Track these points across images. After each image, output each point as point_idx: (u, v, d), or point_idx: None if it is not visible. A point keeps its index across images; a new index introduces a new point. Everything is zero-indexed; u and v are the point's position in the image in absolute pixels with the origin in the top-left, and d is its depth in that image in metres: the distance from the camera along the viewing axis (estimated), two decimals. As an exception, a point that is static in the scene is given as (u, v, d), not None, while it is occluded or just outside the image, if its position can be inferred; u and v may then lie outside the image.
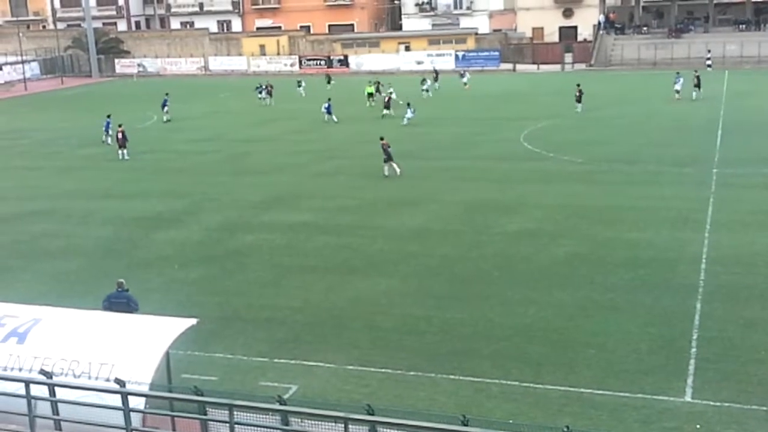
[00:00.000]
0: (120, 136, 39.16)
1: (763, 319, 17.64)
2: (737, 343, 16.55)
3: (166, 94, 52.79)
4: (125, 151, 39.04)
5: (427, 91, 60.01)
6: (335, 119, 47.74)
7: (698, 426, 13.49)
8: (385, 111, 50.71)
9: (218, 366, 16.40)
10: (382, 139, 34.35)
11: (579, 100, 49.75)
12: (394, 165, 33.39)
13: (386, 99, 52.15)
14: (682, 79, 53.84)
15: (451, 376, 15.62)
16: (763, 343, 16.42)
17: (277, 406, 11.04)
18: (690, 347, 16.41)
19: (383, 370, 16.04)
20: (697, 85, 52.32)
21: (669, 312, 18.31)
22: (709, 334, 16.99)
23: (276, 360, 16.70)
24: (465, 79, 66.17)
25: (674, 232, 24.33)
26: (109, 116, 43.83)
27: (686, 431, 13.15)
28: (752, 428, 13.36)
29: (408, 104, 47.95)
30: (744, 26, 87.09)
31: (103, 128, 43.21)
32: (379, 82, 59.17)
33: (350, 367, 16.21)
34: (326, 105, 49.15)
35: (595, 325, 17.81)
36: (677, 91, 53.08)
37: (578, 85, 50.73)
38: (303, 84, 65.84)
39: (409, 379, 15.65)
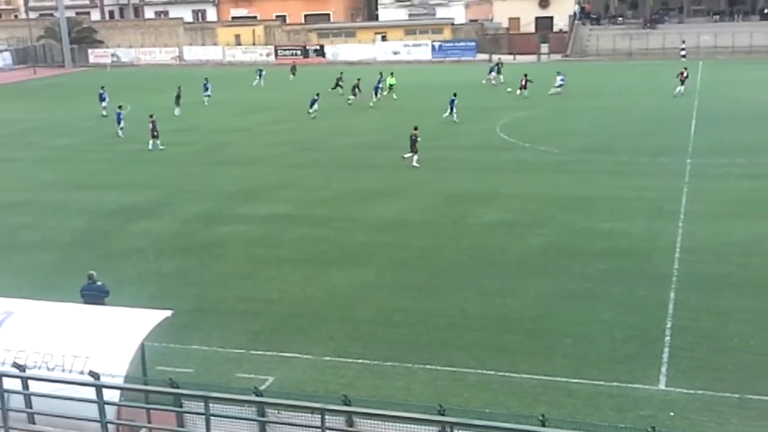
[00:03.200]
0: (151, 126, 38.70)
1: (736, 309, 17.83)
2: (710, 332, 16.72)
3: (102, 88, 51.33)
4: (157, 141, 38.63)
5: (495, 83, 60.54)
6: (310, 112, 46.98)
7: (672, 413, 13.63)
8: (351, 97, 51.38)
9: (194, 358, 16.32)
10: (415, 128, 33.94)
11: (524, 87, 52.65)
12: (415, 156, 33.19)
13: (354, 86, 52.39)
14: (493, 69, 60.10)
15: (428, 366, 15.66)
16: (736, 332, 16.61)
17: (253, 398, 11.03)
18: (664, 336, 16.57)
19: (360, 360, 16.05)
20: (682, 81, 52.03)
21: (644, 301, 18.47)
22: (682, 323, 17.15)
23: (252, 352, 16.65)
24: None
25: (649, 222, 24.52)
26: (120, 107, 43.27)
27: (660, 419, 13.27)
28: (725, 415, 13.51)
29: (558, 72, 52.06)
30: (718, 17, 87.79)
31: (115, 120, 42.51)
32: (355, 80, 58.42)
33: (327, 359, 16.21)
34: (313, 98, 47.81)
35: (571, 314, 17.92)
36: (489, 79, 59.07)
37: (525, 75, 53.44)
38: (263, 73, 65.38)
39: (386, 369, 15.68)
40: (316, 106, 46.73)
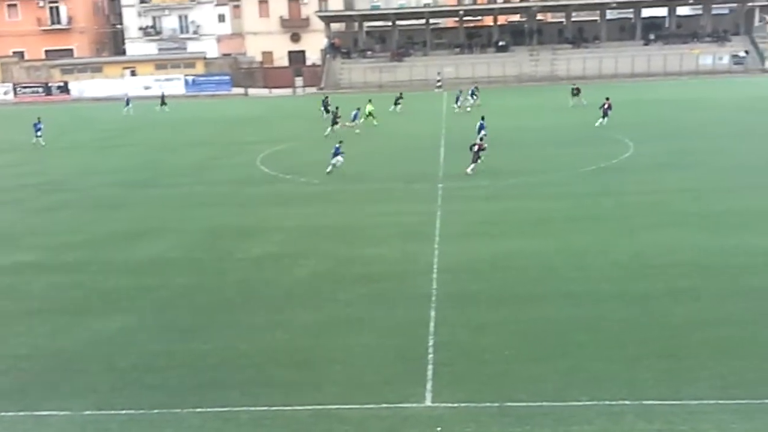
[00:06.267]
0: None
1: (490, 322, 18.93)
2: (469, 346, 17.60)
3: None
4: None
5: (461, 107, 61.48)
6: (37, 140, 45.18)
7: (439, 429, 14.15)
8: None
9: (-67, 429, 14.67)
10: (481, 139, 37.83)
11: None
12: (473, 166, 35.96)
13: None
14: (462, 95, 62.32)
15: (198, 410, 15.16)
16: (492, 344, 17.61)
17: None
18: (427, 353, 17.21)
19: (124, 411, 15.21)
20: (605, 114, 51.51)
21: (407, 321, 19.11)
22: (443, 339, 17.92)
23: (2, 414, 15.25)
24: (459, 103, 63.71)
25: (408, 245, 25.52)
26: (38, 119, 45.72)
27: (429, 435, 13.74)
28: (487, 423, 14.25)
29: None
30: (458, 50, 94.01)
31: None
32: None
33: (87, 413, 15.20)
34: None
35: (338, 341, 18.16)
36: (460, 106, 61.11)
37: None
38: None
39: (153, 417, 14.98)
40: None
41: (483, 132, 42.37)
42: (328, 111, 55.98)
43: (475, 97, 64.94)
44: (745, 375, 15.56)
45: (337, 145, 37.61)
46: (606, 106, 50.74)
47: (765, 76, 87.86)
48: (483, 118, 44.33)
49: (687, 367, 16.02)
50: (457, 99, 63.75)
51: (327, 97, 61.52)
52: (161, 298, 21.58)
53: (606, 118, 50.20)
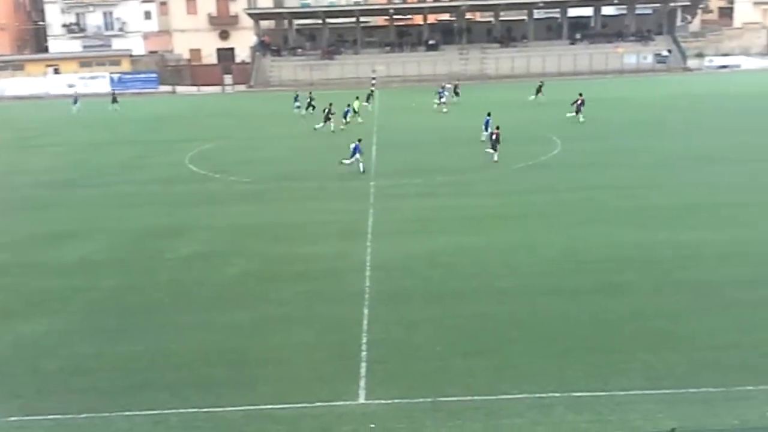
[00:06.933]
0: None
1: (423, 319, 19.04)
2: (402, 343, 17.67)
3: None
4: None
5: (443, 103, 60.25)
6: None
7: (372, 425, 14.17)
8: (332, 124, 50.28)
9: None
10: (497, 128, 39.17)
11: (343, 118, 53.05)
12: (495, 154, 38.14)
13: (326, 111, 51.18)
14: (446, 93, 60.97)
15: (127, 413, 14.86)
16: (424, 341, 17.72)
17: None
18: (361, 351, 17.22)
19: (51, 416, 14.81)
20: (578, 110, 52.52)
21: (340, 319, 19.09)
22: (376, 337, 17.96)
23: None
24: (444, 100, 62.69)
25: (341, 244, 25.48)
26: None
27: (362, 432, 13.76)
28: (420, 419, 14.33)
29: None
30: (389, 48, 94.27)
31: None
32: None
33: (12, 419, 14.75)
34: None
35: (271, 340, 18.03)
36: (443, 103, 60.01)
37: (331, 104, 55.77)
38: None
39: (81, 422, 14.62)
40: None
41: (489, 126, 43.34)
42: (313, 108, 57.01)
43: (456, 94, 65.26)
44: (674, 366, 15.99)
45: (357, 143, 37.22)
46: (579, 102, 51.93)
47: (687, 74, 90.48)
48: (489, 114, 45.01)
49: (616, 360, 16.38)
50: (440, 96, 62.75)
51: (304, 93, 61.62)
52: (89, 300, 21.09)
53: (580, 114, 51.55)
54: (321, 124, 50.45)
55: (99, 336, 18.64)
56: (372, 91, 66.97)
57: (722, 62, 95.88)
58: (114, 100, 67.26)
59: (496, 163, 37.73)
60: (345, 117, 52.87)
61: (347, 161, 36.67)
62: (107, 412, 14.91)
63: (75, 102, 64.83)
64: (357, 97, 57.69)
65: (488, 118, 44.17)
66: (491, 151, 38.77)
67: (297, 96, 61.35)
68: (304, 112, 58.19)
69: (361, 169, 36.41)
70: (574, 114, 51.67)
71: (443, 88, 64.75)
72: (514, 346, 17.24)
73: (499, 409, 14.50)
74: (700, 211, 28.08)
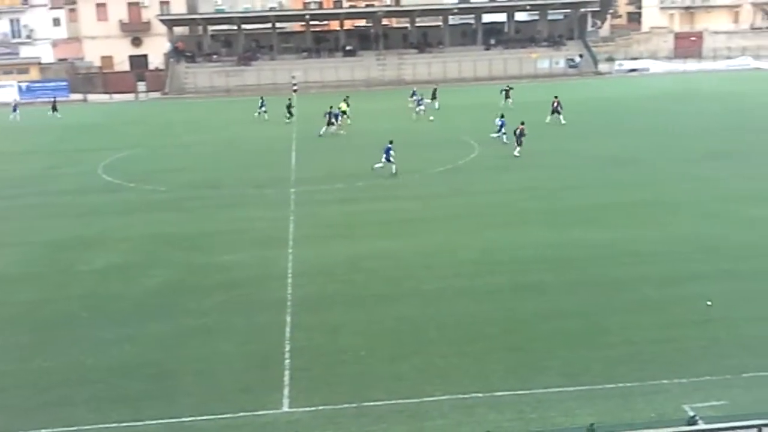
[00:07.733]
0: None
1: (345, 323, 19.06)
2: (325, 349, 17.64)
3: None
4: None
5: (420, 113, 58.04)
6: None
7: (297, 433, 14.12)
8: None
9: None
10: (522, 123, 40.61)
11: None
12: (518, 149, 40.12)
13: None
14: (423, 99, 59.81)
15: (43, 431, 14.42)
16: (348, 346, 17.73)
17: None
18: (284, 359, 17.12)
19: (-39, 438, 14.28)
20: (557, 111, 52.49)
21: (262, 328, 18.94)
22: (299, 344, 17.88)
23: None
24: (423, 107, 59.84)
25: (262, 251, 25.27)
26: None
27: (287, 440, 13.68)
28: (345, 425, 14.34)
29: None
30: (306, 54, 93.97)
31: None
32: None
33: None
34: None
35: (191, 351, 17.76)
36: (421, 111, 58.40)
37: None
38: None
39: (-6, 442, 14.14)
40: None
41: (503, 127, 44.60)
42: (292, 114, 56.91)
43: (434, 101, 62.88)
44: (591, 363, 16.42)
45: (389, 145, 36.75)
46: (555, 104, 53.03)
47: (598, 78, 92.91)
48: (503, 116, 45.76)
49: (535, 359, 16.73)
50: (419, 102, 59.80)
51: (269, 97, 61.22)
52: (1, 316, 20.38)
53: (561, 115, 52.31)
54: (324, 129, 50.16)
55: (12, 352, 18.06)
56: (291, 97, 66.50)
57: (631, 66, 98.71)
58: (54, 108, 65.21)
59: (517, 157, 39.45)
60: (337, 120, 52.40)
61: (379, 165, 36.54)
62: (23, 430, 14.45)
63: (14, 110, 63.06)
64: (344, 99, 57.16)
65: (503, 119, 45.43)
66: (516, 146, 40.44)
67: (263, 100, 60.55)
68: (267, 117, 57.52)
69: (393, 171, 36.36)
70: (552, 116, 52.48)
71: (414, 92, 63.48)
72: (436, 347, 17.41)
73: (424, 411, 14.63)
74: (612, 210, 28.90)
